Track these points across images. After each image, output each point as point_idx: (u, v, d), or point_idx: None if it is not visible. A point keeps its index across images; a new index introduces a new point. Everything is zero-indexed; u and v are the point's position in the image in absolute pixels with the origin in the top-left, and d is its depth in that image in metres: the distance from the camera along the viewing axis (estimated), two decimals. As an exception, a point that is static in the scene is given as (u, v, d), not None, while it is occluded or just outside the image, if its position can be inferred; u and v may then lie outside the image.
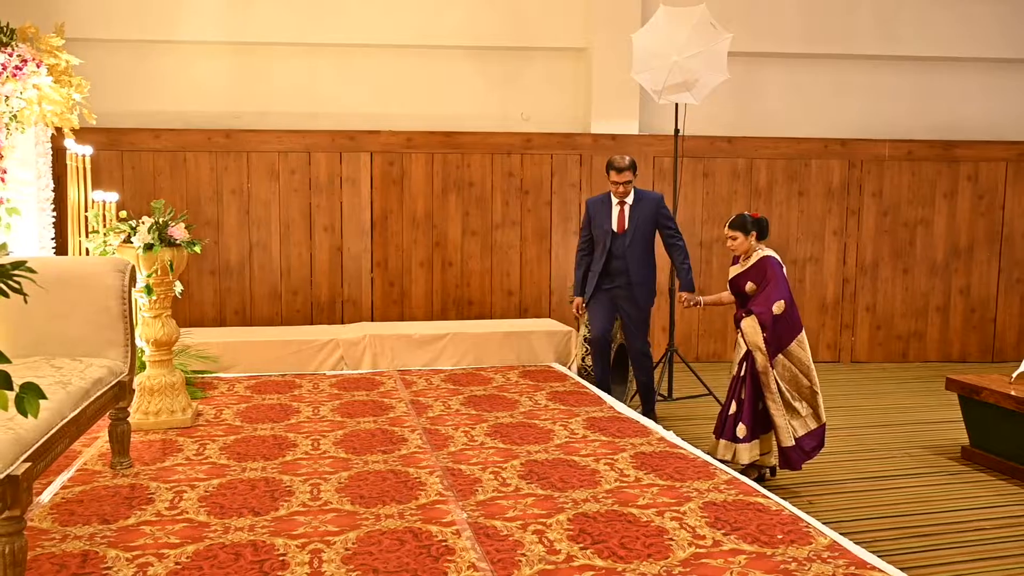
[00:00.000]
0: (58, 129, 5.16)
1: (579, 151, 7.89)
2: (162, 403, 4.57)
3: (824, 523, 4.07)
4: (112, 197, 5.29)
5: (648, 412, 5.68)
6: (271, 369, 6.16)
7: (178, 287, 4.72)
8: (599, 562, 2.97)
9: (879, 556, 3.75)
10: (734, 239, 4.82)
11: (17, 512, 2.62)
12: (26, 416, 2.21)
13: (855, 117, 8.41)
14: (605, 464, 4.07)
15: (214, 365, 5.97)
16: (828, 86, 8.39)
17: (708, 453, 4.56)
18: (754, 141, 8.09)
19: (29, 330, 3.78)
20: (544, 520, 3.35)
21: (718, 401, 5.74)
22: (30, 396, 2.23)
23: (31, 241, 5.00)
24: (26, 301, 2.21)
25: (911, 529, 4.18)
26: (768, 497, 3.61)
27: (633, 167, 5.53)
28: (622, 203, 5.60)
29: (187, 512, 3.40)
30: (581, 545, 3.11)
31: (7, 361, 2.16)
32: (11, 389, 2.17)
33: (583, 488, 3.72)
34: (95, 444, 4.26)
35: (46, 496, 3.58)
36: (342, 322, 7.57)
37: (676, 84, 6.12)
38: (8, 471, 2.59)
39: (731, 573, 2.88)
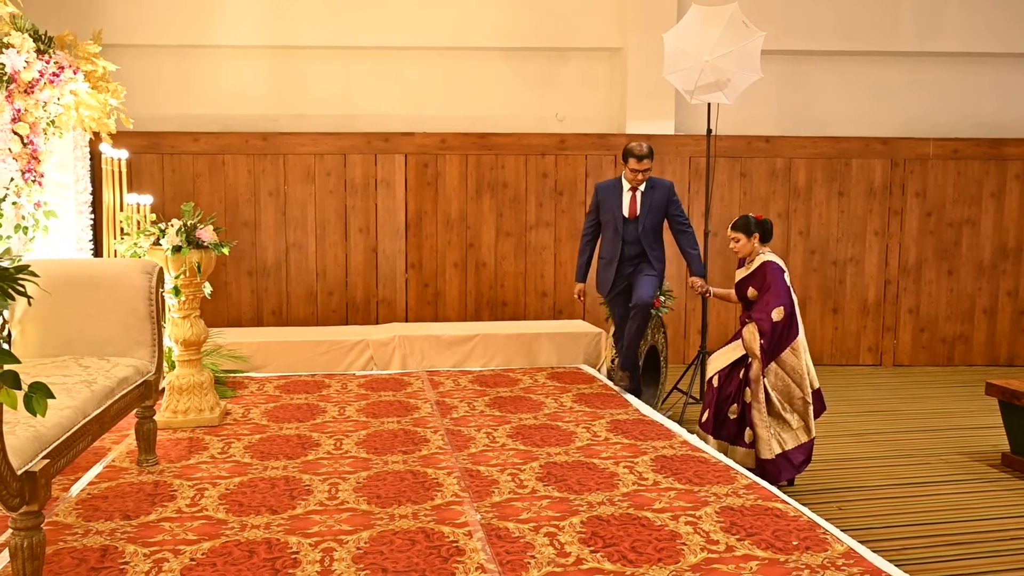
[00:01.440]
0: (96, 134, 5.28)
1: (613, 152, 7.84)
2: (190, 402, 4.66)
3: (854, 529, 4.02)
4: (146, 200, 5.41)
5: (623, 366, 5.63)
6: (302, 369, 6.23)
7: (207, 288, 4.80)
8: (608, 565, 2.95)
9: (908, 564, 3.69)
10: (736, 241, 4.81)
11: (35, 507, 2.68)
12: (35, 415, 2.27)
13: (897, 115, 8.24)
14: (624, 467, 4.04)
15: (245, 365, 6.06)
16: (869, 84, 8.22)
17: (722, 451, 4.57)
18: (793, 140, 7.97)
19: (60, 330, 3.88)
20: (557, 522, 3.33)
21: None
22: (38, 396, 2.29)
23: (69, 243, 5.13)
24: (30, 304, 2.27)
25: (944, 537, 4.08)
26: (787, 503, 3.55)
27: (652, 155, 5.50)
28: (634, 189, 5.58)
29: (206, 509, 3.46)
30: (592, 548, 3.09)
31: (16, 361, 2.23)
32: (19, 388, 2.23)
33: (599, 491, 3.70)
34: (124, 441, 4.35)
35: (74, 491, 3.68)
36: (377, 323, 7.64)
37: (708, 84, 6.05)
38: (26, 467, 2.66)
39: (741, 579, 2.84)
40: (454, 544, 3.13)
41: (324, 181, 7.67)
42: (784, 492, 3.86)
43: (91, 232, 5.44)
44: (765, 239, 4.80)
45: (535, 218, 7.89)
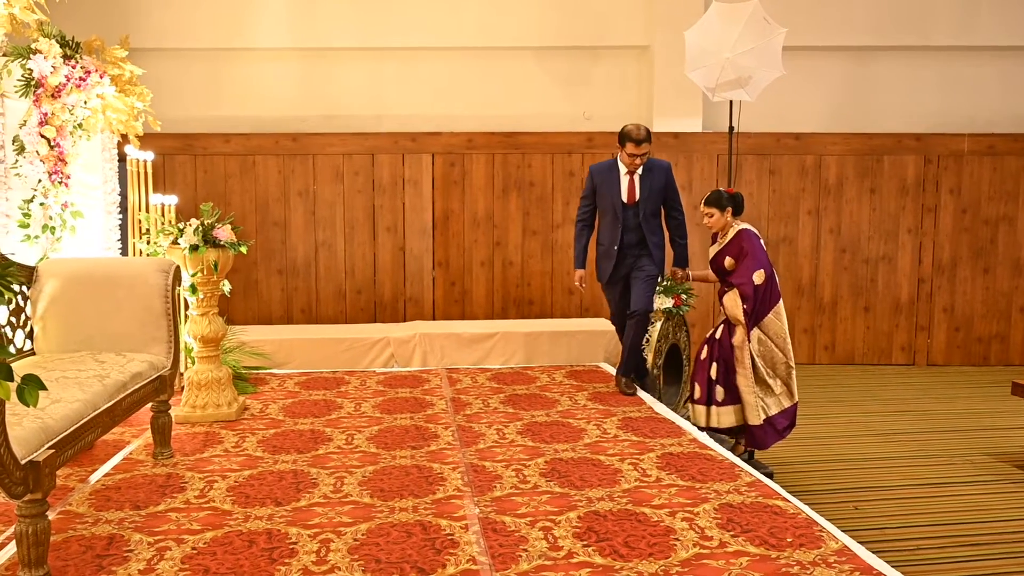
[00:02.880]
0: (124, 136, 5.43)
1: (639, 150, 7.82)
2: (208, 397, 4.77)
3: (868, 529, 4.00)
4: (171, 200, 5.55)
5: (625, 373, 5.57)
6: (324, 366, 6.32)
7: (226, 286, 4.91)
8: (599, 560, 2.96)
9: (921, 564, 3.67)
10: (710, 216, 4.84)
11: (39, 495, 2.79)
12: (28, 406, 2.36)
13: (931, 111, 8.09)
14: (629, 464, 4.04)
15: (267, 361, 6.16)
16: (901, 79, 8.09)
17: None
18: (823, 137, 7.87)
19: (81, 326, 4.01)
20: (554, 517, 3.35)
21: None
22: (30, 388, 2.38)
23: (97, 243, 5.28)
24: (12, 302, 2.36)
25: (961, 538, 4.03)
26: (787, 500, 3.53)
27: (650, 138, 5.41)
28: (631, 173, 5.49)
29: (214, 501, 3.55)
30: (584, 543, 3.11)
31: (8, 354, 2.32)
32: (11, 380, 2.32)
33: (600, 487, 3.71)
34: (143, 435, 4.48)
35: (92, 481, 3.80)
36: (404, 321, 7.72)
37: (729, 81, 6.01)
38: (31, 457, 2.76)
39: (729, 574, 2.83)
40: (449, 537, 3.17)
41: (352, 181, 7.78)
42: (789, 491, 3.83)
43: (119, 232, 5.58)
44: (737, 212, 4.83)
45: (561, 216, 7.90)
